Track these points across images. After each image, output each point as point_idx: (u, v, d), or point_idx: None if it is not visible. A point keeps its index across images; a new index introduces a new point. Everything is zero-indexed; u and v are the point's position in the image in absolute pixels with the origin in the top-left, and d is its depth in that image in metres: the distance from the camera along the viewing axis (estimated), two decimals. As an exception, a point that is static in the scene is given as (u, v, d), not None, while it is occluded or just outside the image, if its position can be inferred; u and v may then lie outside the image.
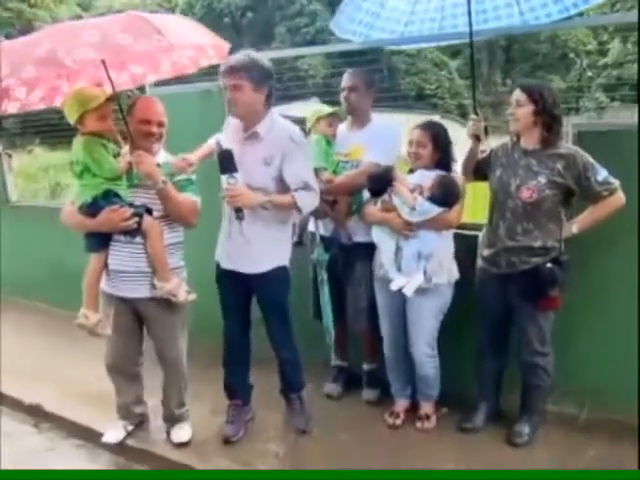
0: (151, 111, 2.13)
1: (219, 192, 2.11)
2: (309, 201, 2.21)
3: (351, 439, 2.40)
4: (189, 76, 2.49)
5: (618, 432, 2.29)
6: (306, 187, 2.19)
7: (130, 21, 1.89)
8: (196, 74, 2.46)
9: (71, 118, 2.07)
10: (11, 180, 4.52)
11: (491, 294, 2.33)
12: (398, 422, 2.48)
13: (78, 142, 2.08)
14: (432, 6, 2.71)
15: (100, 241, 2.13)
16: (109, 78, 2.00)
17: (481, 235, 2.39)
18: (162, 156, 2.22)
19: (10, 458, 2.39)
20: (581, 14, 2.56)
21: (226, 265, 2.30)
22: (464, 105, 22.63)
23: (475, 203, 2.31)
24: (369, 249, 2.43)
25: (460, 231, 2.42)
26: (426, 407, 2.47)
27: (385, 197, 2.29)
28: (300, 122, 2.44)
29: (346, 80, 2.53)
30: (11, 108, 2.11)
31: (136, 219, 2.07)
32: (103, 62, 1.94)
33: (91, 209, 2.07)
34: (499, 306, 2.31)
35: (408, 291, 2.23)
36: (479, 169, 2.36)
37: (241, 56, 2.11)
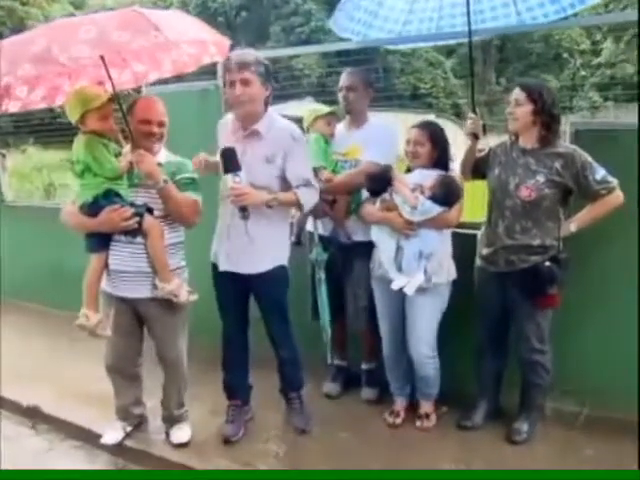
0: (152, 111, 2.12)
1: (220, 192, 2.10)
2: (310, 198, 2.22)
3: (351, 438, 2.40)
4: (186, 74, 2.48)
5: (618, 430, 2.30)
6: (307, 184, 2.20)
7: (127, 17, 1.86)
8: (193, 72, 2.45)
9: (73, 117, 2.06)
10: (5, 180, 4.49)
11: (490, 293, 2.34)
12: (398, 421, 2.49)
13: (79, 141, 2.07)
14: (430, 5, 2.72)
15: (100, 241, 2.12)
16: (109, 76, 1.98)
17: (479, 234, 2.40)
18: (163, 155, 2.21)
19: (8, 460, 2.38)
20: (575, 14, 2.57)
21: (225, 266, 2.28)
22: (459, 104, 22.71)
23: (473, 202, 2.32)
24: (368, 248, 2.43)
25: (458, 230, 2.43)
26: (426, 406, 2.48)
27: (385, 196, 2.29)
28: (296, 121, 2.43)
29: (344, 80, 2.53)
30: (12, 107, 2.09)
31: (137, 219, 2.05)
32: (103, 60, 1.93)
33: (92, 209, 2.06)
34: (498, 305, 2.32)
35: (409, 290, 2.23)
36: (477, 168, 2.37)
37: (248, 52, 2.11)
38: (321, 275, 2.51)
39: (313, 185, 2.23)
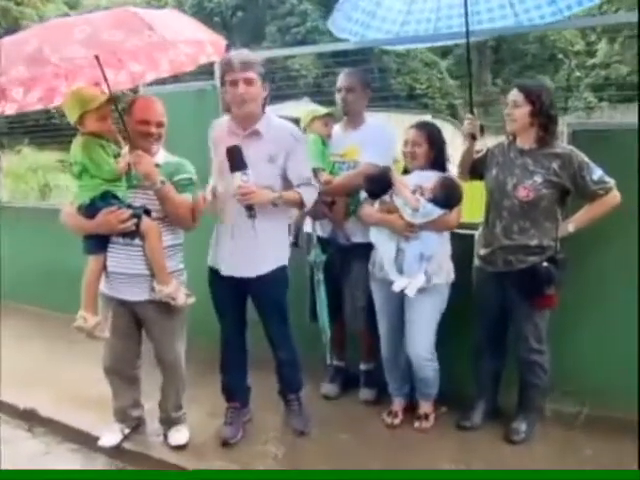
0: (150, 111, 2.10)
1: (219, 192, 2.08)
2: (310, 197, 2.23)
3: (349, 439, 2.40)
4: (183, 74, 2.47)
5: (618, 430, 2.31)
6: (308, 183, 2.21)
7: (120, 17, 1.84)
8: (190, 72, 2.44)
9: (71, 118, 2.05)
10: (0, 180, 4.47)
11: (488, 293, 2.34)
12: (396, 421, 2.49)
13: (77, 143, 2.06)
14: (428, 6, 2.72)
15: (98, 243, 2.10)
16: (104, 76, 1.97)
17: (477, 234, 2.41)
18: (162, 156, 2.19)
19: (5, 463, 2.36)
20: (570, 16, 2.59)
21: (228, 271, 2.23)
22: (454, 105, 22.77)
23: (471, 202, 2.33)
24: (367, 250, 2.43)
25: (456, 230, 2.43)
26: (425, 406, 2.48)
27: (385, 198, 2.29)
28: (293, 122, 2.42)
29: (343, 80, 2.53)
30: (8, 109, 2.07)
31: (134, 220, 2.04)
32: (97, 60, 1.92)
33: (89, 210, 2.05)
34: (496, 305, 2.33)
35: (410, 292, 2.23)
36: (475, 168, 2.37)
37: (248, 52, 2.11)
38: (320, 276, 2.51)
39: (313, 184, 2.24)
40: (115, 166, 2.05)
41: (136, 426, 2.49)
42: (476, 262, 2.39)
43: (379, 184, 2.28)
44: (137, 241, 2.10)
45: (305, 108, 2.68)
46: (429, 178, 2.26)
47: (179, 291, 2.15)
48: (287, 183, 2.20)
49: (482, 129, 2.34)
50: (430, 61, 24.30)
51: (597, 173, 2.12)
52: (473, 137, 2.31)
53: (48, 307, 3.98)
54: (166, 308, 2.18)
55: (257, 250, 2.19)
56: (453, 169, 2.42)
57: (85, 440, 2.51)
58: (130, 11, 1.86)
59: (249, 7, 25.99)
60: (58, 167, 9.46)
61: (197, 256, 2.33)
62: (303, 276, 2.64)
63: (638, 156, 2.22)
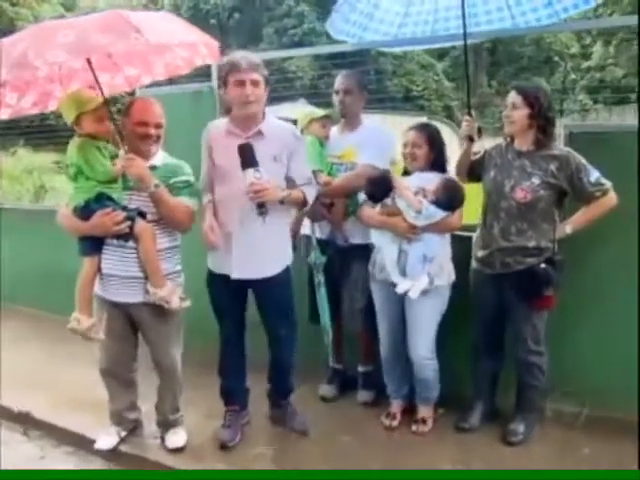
0: (148, 113, 2.10)
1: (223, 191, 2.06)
2: (311, 196, 2.24)
3: (348, 441, 2.39)
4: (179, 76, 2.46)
5: (618, 430, 2.31)
6: (309, 182, 2.23)
7: (107, 20, 1.80)
8: (186, 74, 2.44)
9: (68, 119, 2.04)
10: (-4, 182, 4.45)
11: (486, 295, 2.34)
12: (394, 423, 2.48)
13: (73, 144, 2.05)
14: (425, 9, 2.73)
15: (93, 245, 2.10)
16: (96, 80, 1.96)
17: (475, 236, 2.41)
18: (161, 157, 2.19)
19: (1, 467, 2.34)
20: (566, 19, 2.61)
21: (233, 272, 2.18)
22: (451, 107, 22.83)
23: (468, 204, 2.33)
24: (366, 251, 2.43)
25: (454, 232, 2.44)
26: (424, 411, 2.47)
27: (387, 201, 2.29)
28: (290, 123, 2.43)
29: (340, 82, 2.53)
30: (2, 115, 2.06)
31: (128, 223, 2.03)
32: (89, 63, 1.90)
33: (84, 212, 2.04)
34: (494, 306, 2.33)
35: (413, 294, 2.22)
36: (473, 170, 2.38)
37: (251, 54, 2.12)
38: (320, 278, 2.50)
39: (313, 183, 2.26)
40: (110, 168, 2.04)
41: (133, 429, 2.47)
42: (474, 264, 2.39)
43: (380, 187, 2.28)
44: (131, 243, 2.09)
45: (301, 110, 2.68)
46: (430, 180, 2.26)
47: (173, 294, 2.13)
48: (288, 183, 2.21)
49: (480, 131, 2.35)
50: (427, 63, 24.35)
51: (594, 175, 2.13)
52: (471, 139, 2.31)
53: (45, 309, 3.95)
54: (161, 311, 2.16)
55: (266, 251, 2.18)
56: (451, 171, 2.42)
57: (81, 443, 2.49)
58: (117, 14, 1.83)
59: (246, 9, 25.97)
60: (54, 169, 9.42)
61: (195, 258, 2.32)
62: (301, 278, 2.63)
63: (638, 158, 2.23)
